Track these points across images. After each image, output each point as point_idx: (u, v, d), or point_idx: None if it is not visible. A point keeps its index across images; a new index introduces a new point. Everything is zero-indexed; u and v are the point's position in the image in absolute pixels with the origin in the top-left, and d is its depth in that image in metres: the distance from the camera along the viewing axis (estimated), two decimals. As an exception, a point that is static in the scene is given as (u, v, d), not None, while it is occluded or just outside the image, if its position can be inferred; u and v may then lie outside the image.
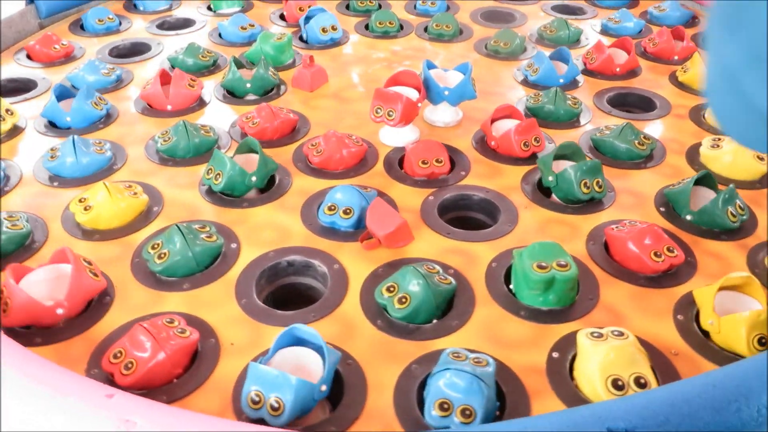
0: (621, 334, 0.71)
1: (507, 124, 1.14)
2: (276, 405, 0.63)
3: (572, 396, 0.69)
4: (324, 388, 0.65)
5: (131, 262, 0.87)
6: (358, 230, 0.93)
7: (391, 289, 0.79)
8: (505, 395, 0.69)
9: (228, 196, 1.00)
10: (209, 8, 1.75)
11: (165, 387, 0.69)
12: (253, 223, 0.95)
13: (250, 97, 1.30)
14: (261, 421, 0.64)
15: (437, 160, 1.05)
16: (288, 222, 0.95)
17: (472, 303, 0.81)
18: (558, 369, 0.72)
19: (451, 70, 1.21)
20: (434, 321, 0.78)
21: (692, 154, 1.13)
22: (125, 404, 0.58)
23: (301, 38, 1.56)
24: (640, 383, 0.66)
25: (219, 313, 0.79)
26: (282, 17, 1.70)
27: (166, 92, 1.23)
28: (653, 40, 1.50)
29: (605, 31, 1.64)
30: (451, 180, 1.05)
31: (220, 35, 1.58)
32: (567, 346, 0.74)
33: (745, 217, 0.93)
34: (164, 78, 1.25)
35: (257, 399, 0.64)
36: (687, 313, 0.79)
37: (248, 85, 1.28)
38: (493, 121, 1.15)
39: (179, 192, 1.02)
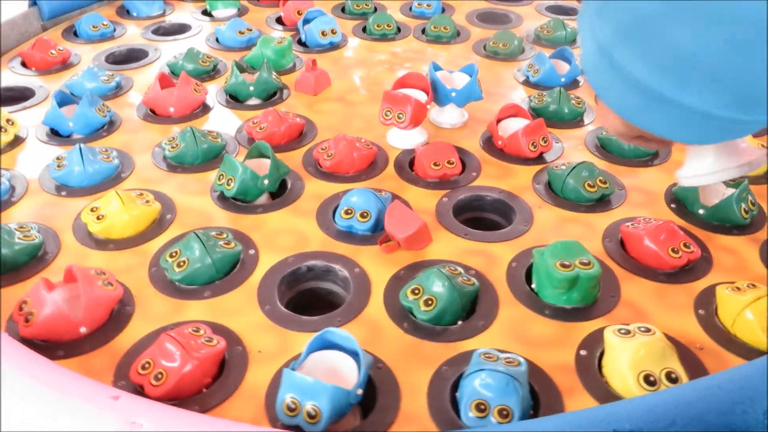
0: (648, 330, 0.71)
1: (513, 124, 1.15)
2: (313, 413, 0.63)
3: (604, 392, 0.69)
4: (360, 391, 0.65)
5: (149, 271, 0.86)
6: (376, 233, 0.93)
7: (416, 291, 0.79)
8: (538, 394, 0.69)
9: (240, 202, 1.00)
10: (204, 13, 1.74)
11: (197, 397, 0.68)
12: (269, 228, 0.94)
13: (253, 101, 1.29)
14: (297, 428, 0.64)
15: (448, 162, 1.05)
16: (304, 227, 0.95)
17: (495, 303, 0.81)
18: (587, 366, 0.73)
19: (457, 71, 1.21)
20: (459, 322, 0.79)
21: (697, 151, 1.14)
22: (131, 406, 0.57)
23: (299, 41, 1.56)
24: (672, 378, 0.67)
25: (243, 320, 0.79)
26: (279, 21, 1.69)
27: (167, 95, 1.22)
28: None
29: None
30: (463, 181, 1.05)
31: (217, 40, 1.56)
32: (594, 343, 0.75)
33: (755, 213, 0.95)
34: (164, 82, 1.24)
35: (293, 406, 0.63)
36: (708, 307, 0.80)
37: (251, 89, 1.27)
38: (498, 121, 1.16)
39: (191, 199, 1.01)
